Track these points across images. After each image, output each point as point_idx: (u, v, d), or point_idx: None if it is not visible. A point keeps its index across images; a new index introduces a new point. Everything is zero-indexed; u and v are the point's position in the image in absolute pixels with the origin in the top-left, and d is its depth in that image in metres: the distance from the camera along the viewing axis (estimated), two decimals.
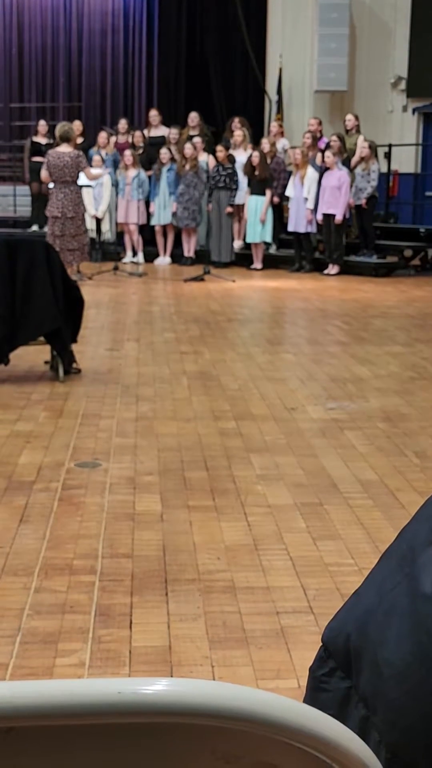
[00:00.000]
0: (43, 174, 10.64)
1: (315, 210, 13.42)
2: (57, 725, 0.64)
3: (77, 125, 14.87)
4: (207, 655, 2.88)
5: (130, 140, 14.83)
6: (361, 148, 13.47)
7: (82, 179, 10.63)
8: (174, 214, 14.21)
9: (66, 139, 10.27)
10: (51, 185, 10.54)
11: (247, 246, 14.23)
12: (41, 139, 15.23)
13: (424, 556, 0.83)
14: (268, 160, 13.95)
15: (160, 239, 14.62)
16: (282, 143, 14.79)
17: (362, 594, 0.90)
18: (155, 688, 0.64)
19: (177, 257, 14.53)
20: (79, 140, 14.49)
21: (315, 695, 0.90)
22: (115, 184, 14.21)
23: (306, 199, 13.46)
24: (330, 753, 0.69)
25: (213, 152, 14.18)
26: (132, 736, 0.65)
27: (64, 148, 10.26)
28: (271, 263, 14.13)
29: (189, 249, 14.42)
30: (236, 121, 14.74)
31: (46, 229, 10.89)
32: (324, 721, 0.69)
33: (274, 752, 0.69)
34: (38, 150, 14.64)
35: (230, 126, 14.80)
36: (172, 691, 0.64)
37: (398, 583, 0.84)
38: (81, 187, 10.68)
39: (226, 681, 2.70)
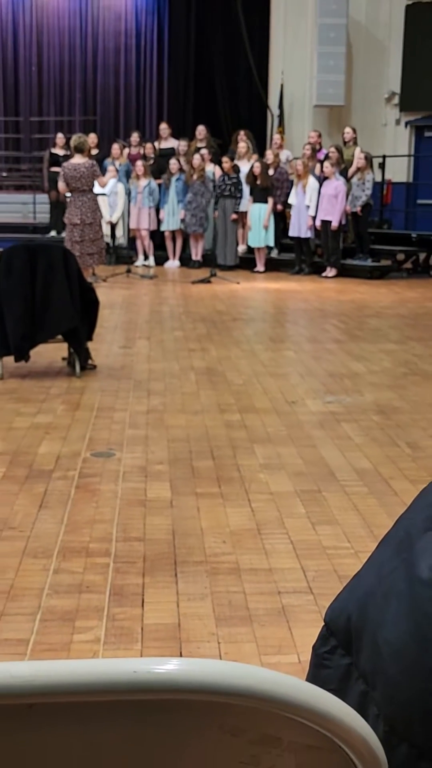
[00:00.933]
0: (61, 185, 10.62)
1: (314, 216, 13.41)
2: (76, 702, 0.64)
3: (92, 138, 14.86)
4: (213, 632, 2.88)
5: (141, 152, 14.83)
6: (358, 158, 13.44)
7: (97, 187, 10.63)
8: (182, 221, 14.21)
9: (80, 150, 10.24)
10: (68, 194, 10.53)
11: (251, 250, 14.23)
12: (59, 151, 15.23)
13: (420, 542, 0.83)
14: (272, 171, 13.94)
15: (169, 244, 14.62)
16: (285, 154, 14.76)
17: (362, 577, 0.90)
18: (168, 667, 0.64)
19: (185, 261, 14.52)
20: (94, 152, 14.48)
21: (317, 672, 0.90)
22: (128, 193, 14.21)
23: (308, 206, 13.44)
24: (329, 727, 0.70)
25: (219, 163, 14.17)
26: (146, 712, 0.65)
27: (79, 159, 10.24)
28: (272, 266, 14.12)
29: (196, 253, 14.41)
30: (241, 134, 14.73)
31: (64, 234, 10.88)
32: (324, 698, 0.69)
33: (278, 726, 0.69)
34: (56, 161, 14.64)
35: (236, 138, 14.78)
36: (184, 671, 0.64)
37: (396, 568, 0.84)
38: (97, 194, 10.68)
39: (231, 656, 2.71)
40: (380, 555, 0.89)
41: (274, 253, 14.42)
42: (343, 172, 13.39)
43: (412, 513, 0.90)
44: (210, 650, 2.77)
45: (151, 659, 0.64)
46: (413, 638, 0.79)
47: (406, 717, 0.80)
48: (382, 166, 15.17)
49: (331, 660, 0.88)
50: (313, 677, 0.90)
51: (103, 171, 13.77)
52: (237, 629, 2.91)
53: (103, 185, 10.87)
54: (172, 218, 14.29)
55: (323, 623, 0.92)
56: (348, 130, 14.30)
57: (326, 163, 13.27)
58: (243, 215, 14.13)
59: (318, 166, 13.59)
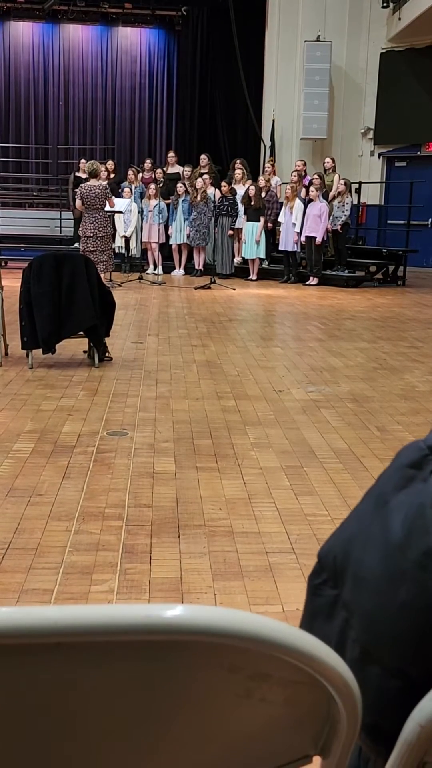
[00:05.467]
0: (78, 203, 10.51)
1: (300, 233, 13.38)
2: (96, 641, 0.63)
3: (110, 164, 14.81)
4: (210, 585, 2.88)
5: (153, 176, 14.76)
6: (338, 184, 13.40)
7: (116, 206, 10.56)
8: (187, 236, 14.17)
9: (94, 175, 10.16)
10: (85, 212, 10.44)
11: (245, 261, 14.19)
12: (82, 174, 15.11)
13: (393, 500, 0.85)
14: (264, 194, 13.90)
15: (176, 255, 14.58)
16: (275, 180, 14.72)
17: (347, 524, 0.92)
18: (175, 613, 0.63)
19: (189, 270, 14.49)
20: (112, 176, 14.43)
21: (312, 598, 0.92)
22: (141, 211, 14.17)
23: (294, 224, 13.40)
24: (312, 665, 0.69)
25: (219, 186, 14.12)
26: (156, 651, 0.65)
27: (94, 182, 10.17)
28: (264, 275, 14.09)
29: (199, 263, 14.38)
30: (237, 162, 14.69)
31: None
32: (308, 640, 0.69)
33: (268, 664, 0.69)
34: (79, 183, 14.54)
35: (233, 165, 14.74)
36: (189, 616, 0.64)
37: (374, 520, 0.86)
38: (108, 212, 10.59)
39: (226, 606, 2.71)
40: (363, 507, 0.91)
41: (265, 264, 14.39)
42: (324, 196, 13.35)
43: (387, 472, 0.91)
44: (207, 601, 2.77)
45: (161, 605, 0.63)
46: (387, 580, 0.81)
47: (378, 643, 0.82)
48: (358, 191, 15.14)
49: (323, 590, 0.91)
50: (310, 603, 0.92)
51: (120, 192, 13.73)
52: (230, 583, 2.91)
53: (111, 206, 10.76)
54: (178, 233, 14.25)
55: (317, 559, 0.94)
56: (329, 159, 14.26)
57: (311, 188, 13.23)
58: (239, 231, 14.10)
59: (303, 190, 13.54)
